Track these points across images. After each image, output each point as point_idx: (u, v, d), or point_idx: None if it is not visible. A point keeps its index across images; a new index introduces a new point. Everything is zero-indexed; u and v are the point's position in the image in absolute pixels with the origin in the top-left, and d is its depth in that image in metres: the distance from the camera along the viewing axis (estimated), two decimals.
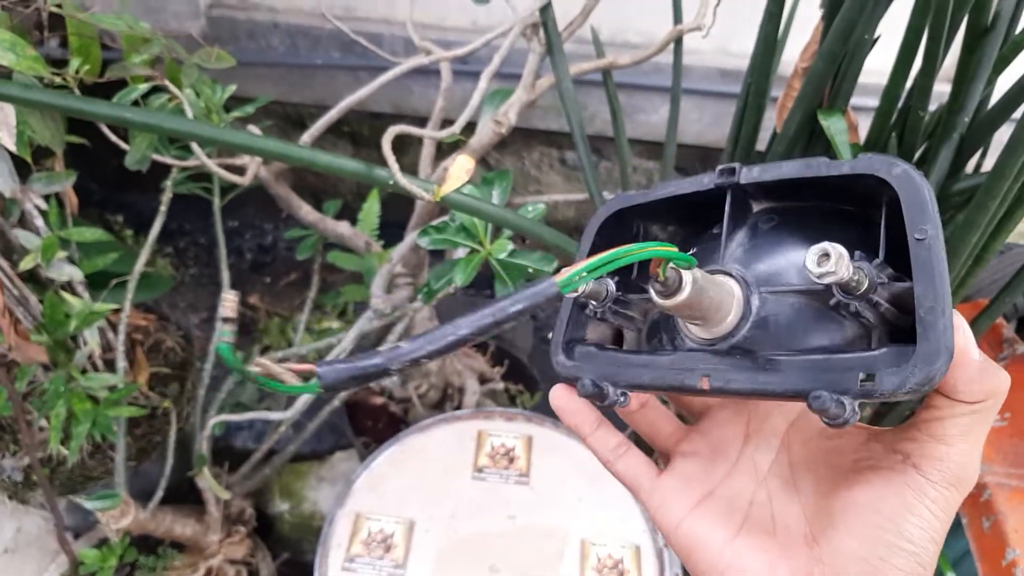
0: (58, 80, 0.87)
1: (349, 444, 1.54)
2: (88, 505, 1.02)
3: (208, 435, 1.10)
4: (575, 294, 0.32)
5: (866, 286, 0.27)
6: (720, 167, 0.34)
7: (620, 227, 0.38)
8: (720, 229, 0.34)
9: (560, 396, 0.37)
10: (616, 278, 0.36)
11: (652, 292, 0.30)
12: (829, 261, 0.26)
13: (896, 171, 0.28)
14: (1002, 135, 0.74)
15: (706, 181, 0.34)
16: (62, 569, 1.28)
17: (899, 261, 0.29)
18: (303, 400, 1.12)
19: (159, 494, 1.13)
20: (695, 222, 0.37)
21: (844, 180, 0.30)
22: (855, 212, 0.32)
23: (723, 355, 0.31)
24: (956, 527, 1.00)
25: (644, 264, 0.37)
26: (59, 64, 0.89)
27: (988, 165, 0.79)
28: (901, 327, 0.29)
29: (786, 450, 0.35)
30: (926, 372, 0.25)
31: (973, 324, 0.88)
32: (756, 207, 0.35)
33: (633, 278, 0.38)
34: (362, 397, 1.37)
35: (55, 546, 1.28)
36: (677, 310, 0.30)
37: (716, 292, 0.30)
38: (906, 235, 0.27)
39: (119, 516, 1.08)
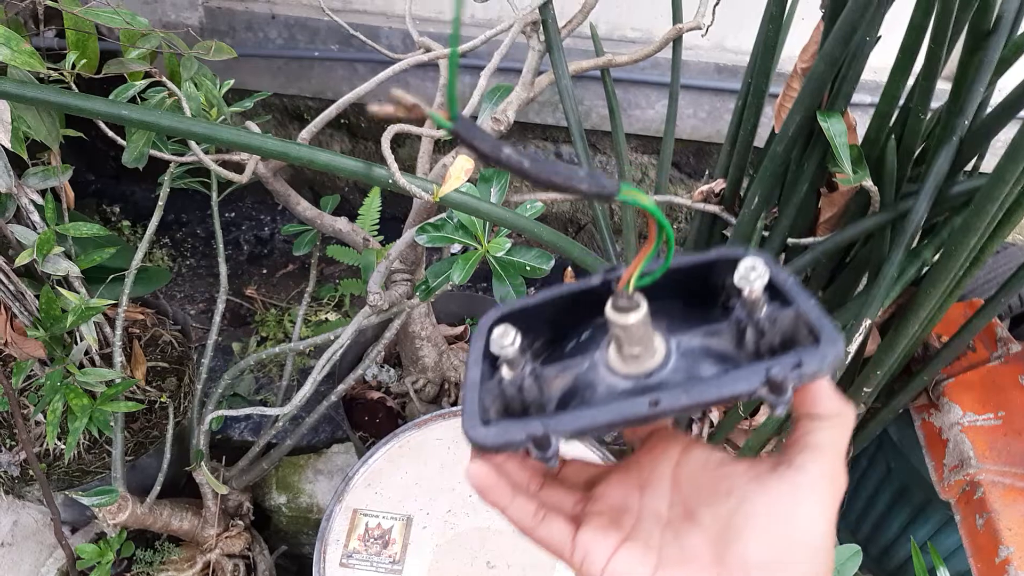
0: (54, 75, 0.86)
1: (346, 437, 1.54)
2: (85, 501, 1.02)
3: (206, 429, 1.10)
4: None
5: (764, 303, 0.33)
6: (604, 267, 0.38)
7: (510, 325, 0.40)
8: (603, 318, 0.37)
9: (478, 475, 0.36)
10: (544, 355, 0.39)
11: (610, 310, 0.33)
12: (756, 271, 0.32)
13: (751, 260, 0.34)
14: (1000, 137, 0.74)
15: (595, 281, 0.38)
16: (59, 563, 1.28)
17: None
18: (300, 394, 1.12)
19: (157, 488, 1.13)
20: (579, 317, 0.41)
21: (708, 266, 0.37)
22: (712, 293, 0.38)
23: (654, 390, 0.34)
24: (949, 522, 1.00)
25: (580, 334, 0.40)
26: (56, 57, 0.89)
27: (985, 167, 0.79)
28: (775, 348, 0.35)
29: (678, 491, 0.38)
30: (835, 350, 0.31)
31: (969, 323, 0.89)
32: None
33: (568, 349, 0.40)
34: (359, 392, 1.37)
35: (52, 540, 1.28)
36: (632, 330, 0.33)
37: (648, 325, 0.35)
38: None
39: (116, 511, 1.08)
